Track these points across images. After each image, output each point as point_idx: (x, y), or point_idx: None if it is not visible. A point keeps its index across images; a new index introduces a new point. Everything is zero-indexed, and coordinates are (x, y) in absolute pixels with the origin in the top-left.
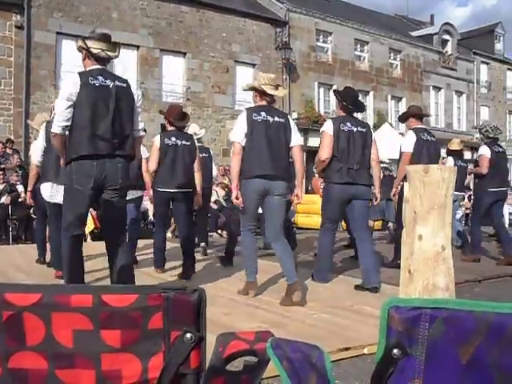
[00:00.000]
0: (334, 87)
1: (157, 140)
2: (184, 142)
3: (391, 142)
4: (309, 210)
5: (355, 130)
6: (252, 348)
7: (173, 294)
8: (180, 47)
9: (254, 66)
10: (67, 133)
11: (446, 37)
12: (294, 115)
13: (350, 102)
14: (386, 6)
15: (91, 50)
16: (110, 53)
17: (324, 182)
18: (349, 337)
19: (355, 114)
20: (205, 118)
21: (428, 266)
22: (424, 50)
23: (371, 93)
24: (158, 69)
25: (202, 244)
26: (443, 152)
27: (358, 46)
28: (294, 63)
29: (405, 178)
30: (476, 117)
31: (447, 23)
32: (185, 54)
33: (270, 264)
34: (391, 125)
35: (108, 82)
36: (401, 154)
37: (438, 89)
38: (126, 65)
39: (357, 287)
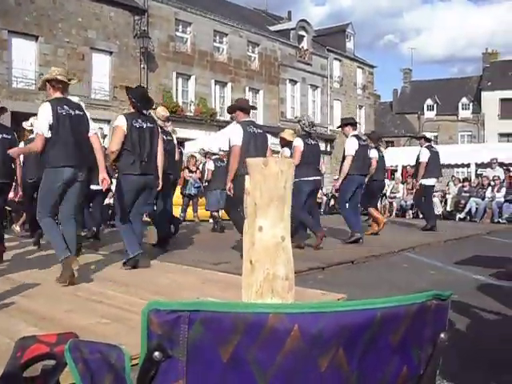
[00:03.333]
0: (193, 78)
1: None
2: (5, 136)
3: None
4: None
5: (145, 126)
6: (52, 351)
7: None
8: (31, 30)
9: (111, 53)
10: None
11: (302, 33)
12: None
13: (139, 99)
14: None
15: None
16: None
17: (118, 174)
18: None
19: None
20: None
21: (268, 256)
22: (281, 45)
23: (229, 84)
24: (6, 52)
25: None
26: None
27: (217, 37)
28: (152, 52)
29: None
30: (330, 110)
31: (303, 20)
32: (37, 37)
33: (116, 256)
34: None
35: None
36: (230, 147)
37: (294, 82)
38: None
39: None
